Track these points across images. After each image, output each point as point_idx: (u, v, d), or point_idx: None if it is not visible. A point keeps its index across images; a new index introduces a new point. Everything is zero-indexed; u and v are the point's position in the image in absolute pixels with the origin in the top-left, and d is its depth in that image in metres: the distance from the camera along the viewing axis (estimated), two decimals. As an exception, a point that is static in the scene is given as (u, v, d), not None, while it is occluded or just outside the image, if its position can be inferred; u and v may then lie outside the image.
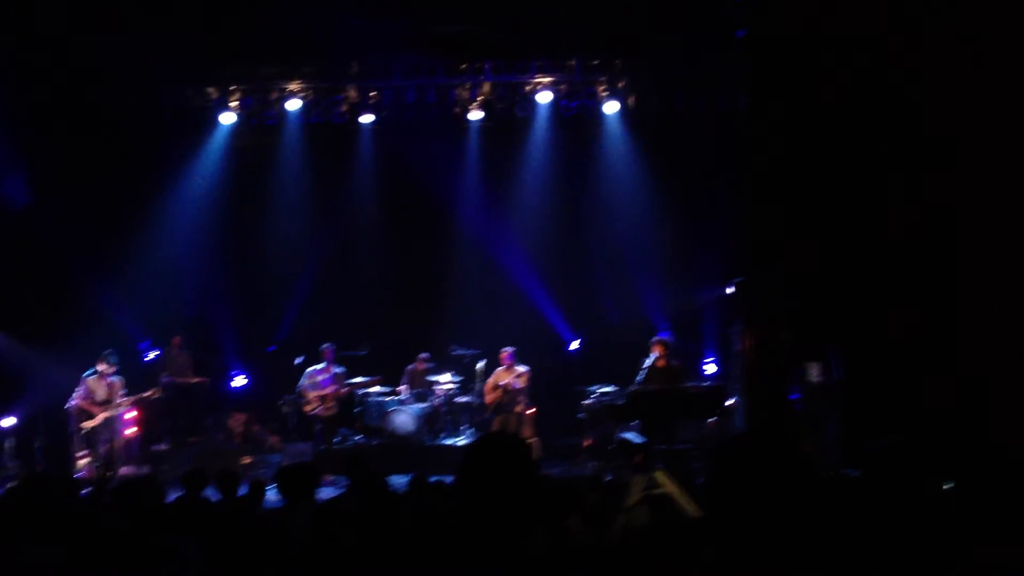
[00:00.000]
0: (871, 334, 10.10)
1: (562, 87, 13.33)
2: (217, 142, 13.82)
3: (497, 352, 12.33)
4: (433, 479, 5.88)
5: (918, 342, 9.48)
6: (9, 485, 9.22)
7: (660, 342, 10.98)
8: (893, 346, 9.71)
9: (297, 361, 12.54)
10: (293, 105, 13.28)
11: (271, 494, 6.45)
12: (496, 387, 12.13)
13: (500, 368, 12.24)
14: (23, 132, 11.73)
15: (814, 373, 10.76)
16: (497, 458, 2.35)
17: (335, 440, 12.45)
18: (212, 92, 13.25)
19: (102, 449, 11.31)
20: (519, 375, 12.09)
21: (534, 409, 12.23)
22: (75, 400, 11.37)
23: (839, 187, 10.13)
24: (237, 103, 13.30)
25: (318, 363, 12.46)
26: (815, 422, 10.45)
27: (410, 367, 13.12)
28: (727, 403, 10.96)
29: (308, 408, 12.30)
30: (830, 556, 2.41)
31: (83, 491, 7.68)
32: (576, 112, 13.46)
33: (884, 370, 9.93)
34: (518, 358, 12.22)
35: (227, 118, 13.43)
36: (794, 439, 10.24)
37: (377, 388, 12.77)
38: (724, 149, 12.14)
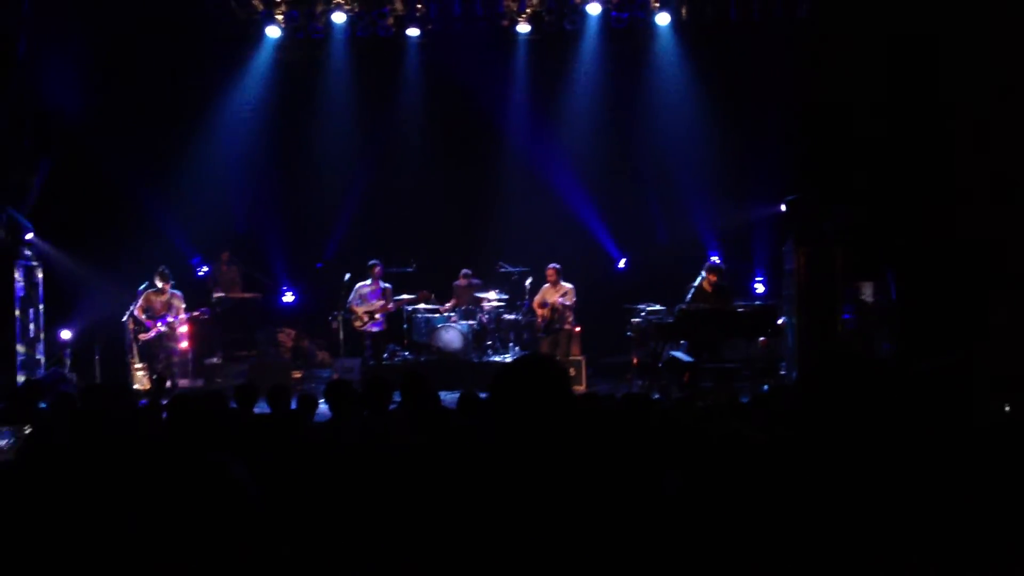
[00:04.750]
0: (929, 253, 9.81)
1: (612, -3, 12.94)
2: (264, 56, 13.71)
3: (544, 269, 12.26)
4: (483, 396, 5.89)
5: (981, 262, 9.18)
6: (63, 390, 9.48)
7: (712, 268, 10.82)
8: (952, 265, 9.42)
9: (345, 278, 12.60)
10: (339, 18, 13.10)
11: (322, 408, 6.53)
12: (543, 305, 12.11)
13: (546, 285, 12.20)
14: (74, 45, 11.67)
15: (868, 293, 10.57)
16: (530, 381, 2.30)
17: (383, 356, 12.59)
18: (257, 4, 13.09)
19: (159, 362, 11.55)
20: (565, 293, 12.04)
21: (579, 328, 12.23)
22: (131, 313, 11.56)
23: (902, 99, 9.72)
24: (283, 16, 13.14)
25: (365, 279, 12.52)
26: (868, 342, 10.29)
27: (456, 283, 13.14)
28: (778, 323, 10.83)
29: (357, 324, 12.42)
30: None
31: (141, 402, 7.86)
32: (626, 24, 13.09)
33: (941, 290, 9.67)
34: (563, 275, 12.15)
35: (273, 32, 13.29)
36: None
37: (424, 305, 12.82)
38: (781, 61, 11.74)
